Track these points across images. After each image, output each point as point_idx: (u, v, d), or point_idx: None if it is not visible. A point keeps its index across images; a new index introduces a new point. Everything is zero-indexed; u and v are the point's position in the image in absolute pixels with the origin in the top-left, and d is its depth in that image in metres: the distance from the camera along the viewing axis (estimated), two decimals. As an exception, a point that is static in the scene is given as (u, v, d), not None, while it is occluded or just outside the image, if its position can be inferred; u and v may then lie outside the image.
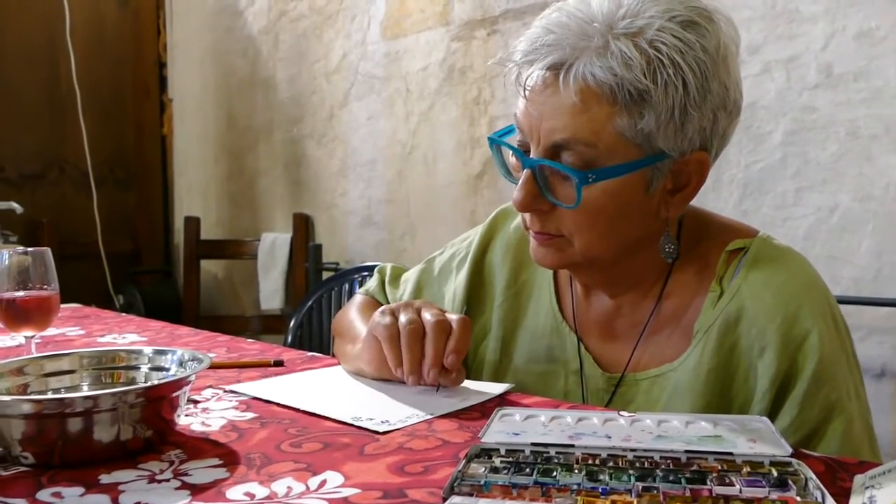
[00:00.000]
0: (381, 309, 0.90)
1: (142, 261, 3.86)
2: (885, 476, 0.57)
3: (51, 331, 1.36)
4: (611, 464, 0.62)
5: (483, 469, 0.61)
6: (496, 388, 0.89)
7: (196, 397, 0.88)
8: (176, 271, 3.87)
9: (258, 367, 1.05)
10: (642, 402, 0.89)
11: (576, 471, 0.60)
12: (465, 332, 0.85)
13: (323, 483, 0.60)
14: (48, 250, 1.10)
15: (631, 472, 0.60)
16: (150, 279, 3.84)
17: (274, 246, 3.21)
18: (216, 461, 0.66)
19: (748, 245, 0.87)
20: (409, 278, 1.14)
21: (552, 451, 0.65)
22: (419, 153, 2.72)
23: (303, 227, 3.15)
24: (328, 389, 0.92)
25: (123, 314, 1.70)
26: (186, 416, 0.80)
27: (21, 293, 1.06)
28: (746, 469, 0.61)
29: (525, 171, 0.83)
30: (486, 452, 0.65)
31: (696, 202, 0.88)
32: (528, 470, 0.60)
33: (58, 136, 3.53)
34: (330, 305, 1.98)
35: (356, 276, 1.98)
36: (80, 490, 0.60)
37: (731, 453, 0.63)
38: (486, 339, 1.03)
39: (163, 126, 3.92)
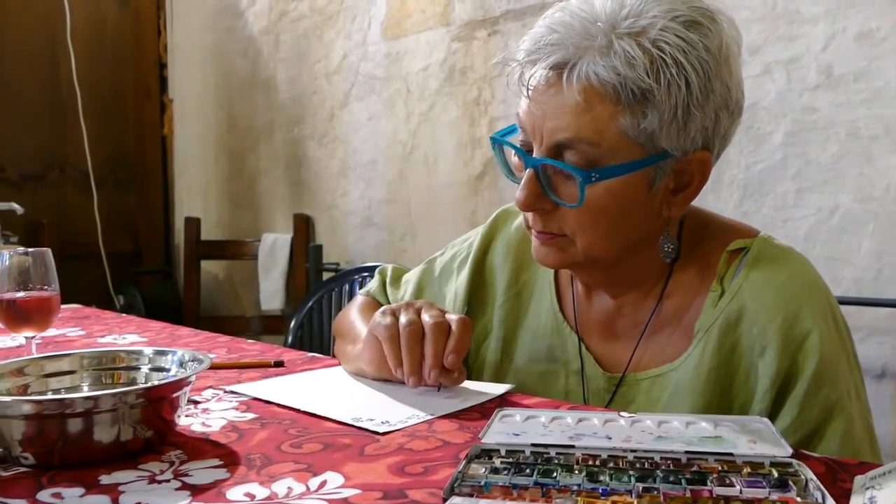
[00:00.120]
0: (381, 309, 0.90)
1: (142, 261, 3.86)
2: (885, 477, 0.56)
3: (51, 331, 1.36)
4: (611, 464, 0.62)
5: (483, 470, 0.61)
6: (496, 389, 0.89)
7: (196, 398, 0.88)
8: (176, 272, 3.87)
9: (258, 368, 1.05)
10: (643, 401, 0.89)
11: (576, 471, 0.60)
12: (465, 332, 0.85)
13: (323, 483, 0.60)
14: (48, 251, 1.10)
15: (631, 472, 0.60)
16: (151, 280, 3.84)
17: (274, 246, 3.21)
18: (216, 462, 0.66)
19: (749, 245, 0.87)
20: (410, 279, 1.14)
21: (552, 452, 0.65)
22: (420, 154, 2.72)
23: (303, 227, 3.15)
24: (328, 390, 0.92)
25: (124, 315, 1.70)
26: (187, 416, 0.80)
27: (21, 294, 1.06)
28: (747, 470, 0.61)
29: (528, 170, 0.83)
30: (487, 453, 0.65)
31: (696, 203, 0.89)
32: (528, 471, 0.60)
33: (58, 136, 3.53)
34: (330, 306, 1.98)
35: (356, 276, 1.98)
36: (81, 491, 0.60)
37: (731, 454, 0.63)
38: (487, 340, 1.03)
39: (163, 126, 3.93)
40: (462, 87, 2.56)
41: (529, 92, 0.81)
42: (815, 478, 0.58)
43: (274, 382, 0.96)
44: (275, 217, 3.35)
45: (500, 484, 0.58)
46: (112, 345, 1.28)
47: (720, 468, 0.61)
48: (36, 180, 3.50)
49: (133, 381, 0.81)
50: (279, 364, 1.06)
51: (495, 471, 0.60)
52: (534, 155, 0.83)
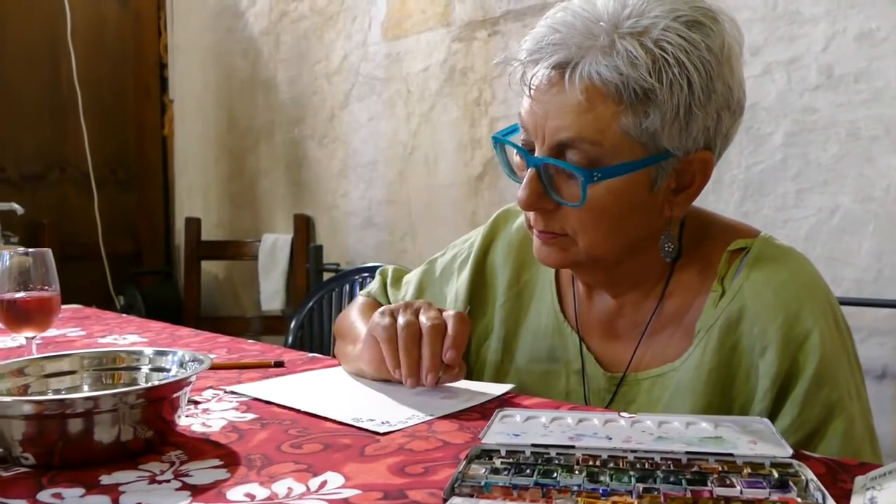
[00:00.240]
0: (380, 309, 0.90)
1: (142, 262, 3.85)
2: (885, 477, 0.56)
3: (51, 332, 1.36)
4: (611, 465, 0.62)
5: (483, 470, 0.61)
6: (497, 389, 0.89)
7: (197, 398, 0.88)
8: (177, 272, 3.87)
9: (259, 368, 1.05)
10: (644, 401, 0.89)
11: (576, 472, 0.60)
12: (462, 328, 0.85)
13: (323, 484, 0.60)
14: (49, 251, 1.10)
15: (632, 473, 0.60)
16: (151, 280, 3.84)
17: (275, 247, 3.21)
18: (217, 462, 0.66)
19: (750, 245, 0.87)
20: (411, 280, 1.14)
21: (553, 452, 0.65)
22: (420, 154, 2.72)
23: (303, 228, 3.15)
24: (329, 390, 0.92)
25: (124, 315, 1.70)
26: (187, 416, 0.80)
27: (22, 294, 1.06)
28: (747, 470, 0.61)
29: (530, 169, 0.83)
30: (487, 453, 0.65)
31: (696, 203, 0.89)
32: (528, 471, 0.60)
33: (59, 136, 3.54)
34: (331, 306, 1.98)
35: (357, 276, 1.98)
36: (81, 491, 0.60)
37: (731, 454, 0.63)
38: (488, 340, 1.03)
39: (164, 127, 3.93)
40: (462, 87, 2.56)
41: (531, 91, 0.81)
42: (815, 478, 0.58)
43: (274, 383, 0.96)
44: (275, 217, 3.35)
45: (501, 484, 0.58)
46: (112, 345, 1.28)
47: (720, 469, 0.61)
48: (36, 180, 3.50)
49: (133, 382, 0.81)
50: (279, 364, 1.06)
51: (495, 471, 0.60)
52: (536, 154, 0.83)
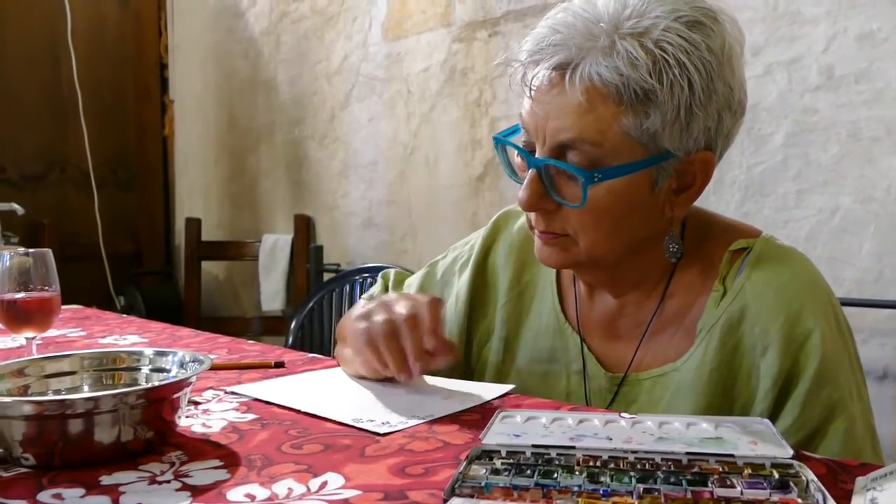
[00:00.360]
0: (357, 314, 0.89)
1: (143, 262, 3.85)
2: (886, 478, 0.56)
3: (52, 332, 1.36)
4: (612, 465, 0.62)
5: (484, 471, 0.60)
6: (497, 390, 0.89)
7: (197, 399, 0.88)
8: (177, 272, 3.87)
9: (259, 369, 1.05)
10: (645, 401, 0.89)
11: (577, 472, 0.60)
12: (435, 312, 0.85)
13: (324, 484, 0.60)
14: (49, 251, 1.10)
15: (632, 473, 0.60)
16: (151, 280, 3.84)
17: (275, 247, 3.21)
18: (217, 462, 0.66)
19: (751, 245, 0.87)
20: (413, 283, 1.14)
21: (553, 453, 0.65)
22: (420, 154, 2.72)
23: (304, 228, 3.15)
24: (329, 391, 0.92)
25: (124, 315, 1.70)
26: (187, 417, 0.80)
27: (22, 294, 1.06)
28: (748, 471, 0.61)
29: (531, 170, 0.83)
30: (487, 454, 0.65)
31: (697, 203, 0.89)
32: (528, 472, 0.60)
33: (59, 136, 3.53)
34: (331, 307, 1.98)
35: (357, 277, 1.99)
36: (81, 491, 0.60)
37: (732, 455, 0.63)
38: (489, 341, 1.03)
39: (164, 127, 3.93)
40: (463, 87, 2.56)
41: (532, 92, 0.81)
42: (816, 479, 0.58)
43: (274, 383, 0.96)
44: (275, 218, 3.35)
45: (501, 485, 0.58)
46: (113, 345, 1.28)
47: (721, 469, 0.61)
48: (37, 181, 3.50)
49: (134, 382, 0.81)
50: (280, 365, 1.06)
51: (496, 472, 0.60)
52: (536, 155, 0.83)
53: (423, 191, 2.72)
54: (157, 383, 0.72)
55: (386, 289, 1.17)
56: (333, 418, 0.78)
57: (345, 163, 3.01)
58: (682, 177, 0.83)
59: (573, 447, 0.65)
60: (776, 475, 0.60)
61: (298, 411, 0.82)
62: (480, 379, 1.01)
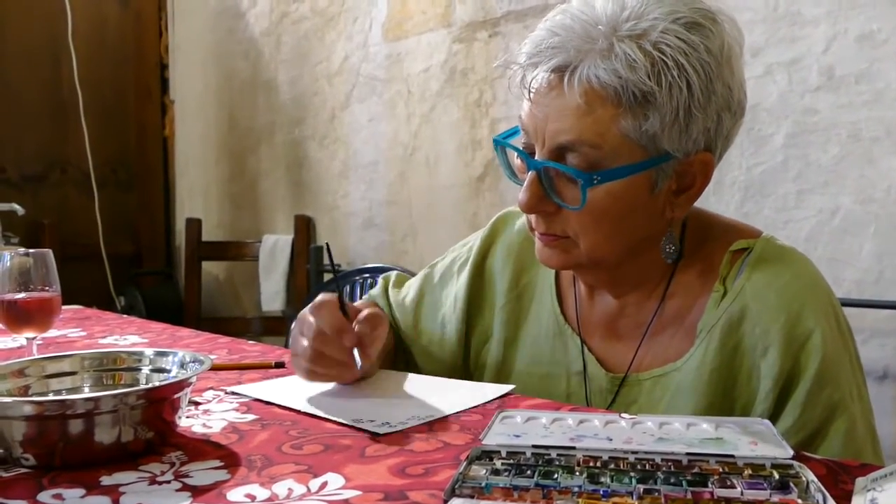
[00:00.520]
0: (292, 351, 0.91)
1: (143, 262, 3.85)
2: (887, 479, 0.56)
3: (52, 332, 1.36)
4: (612, 466, 0.62)
5: (484, 471, 0.61)
6: (497, 391, 0.89)
7: (197, 399, 0.88)
8: (177, 273, 3.87)
9: (259, 369, 1.05)
10: (645, 402, 0.89)
11: (577, 473, 0.60)
12: (334, 313, 0.88)
13: (324, 485, 0.60)
14: (49, 252, 1.10)
15: (632, 474, 0.60)
16: (152, 281, 3.84)
17: (275, 248, 3.21)
18: (217, 463, 0.66)
19: (752, 245, 0.87)
20: (412, 285, 1.14)
21: (553, 454, 0.65)
22: (420, 155, 2.72)
23: (304, 228, 3.15)
24: (329, 391, 0.92)
25: (125, 316, 1.70)
26: (187, 417, 0.80)
27: (22, 295, 1.06)
28: (748, 471, 0.61)
29: (530, 172, 0.83)
30: (487, 454, 0.65)
31: (697, 204, 0.89)
32: (529, 472, 0.60)
33: (59, 137, 3.53)
34: (331, 307, 1.98)
35: (357, 277, 1.98)
36: (81, 492, 0.60)
37: (732, 455, 0.63)
38: (488, 343, 1.03)
39: (164, 127, 3.93)
40: (463, 88, 2.56)
41: (531, 95, 0.82)
42: (816, 479, 0.58)
43: (275, 384, 0.96)
44: (276, 218, 3.35)
45: (501, 485, 0.58)
46: (113, 346, 1.28)
47: (721, 470, 0.61)
48: (37, 181, 3.50)
49: (134, 383, 0.81)
50: (280, 365, 1.06)
51: (496, 472, 0.60)
52: (536, 157, 0.83)
53: (423, 191, 2.72)
54: (157, 384, 0.72)
55: (386, 288, 1.17)
56: (334, 419, 0.78)
57: (345, 163, 3.01)
58: (681, 178, 0.83)
59: (573, 448, 0.65)
60: (776, 476, 0.60)
61: (299, 412, 0.82)
62: (479, 381, 1.01)
